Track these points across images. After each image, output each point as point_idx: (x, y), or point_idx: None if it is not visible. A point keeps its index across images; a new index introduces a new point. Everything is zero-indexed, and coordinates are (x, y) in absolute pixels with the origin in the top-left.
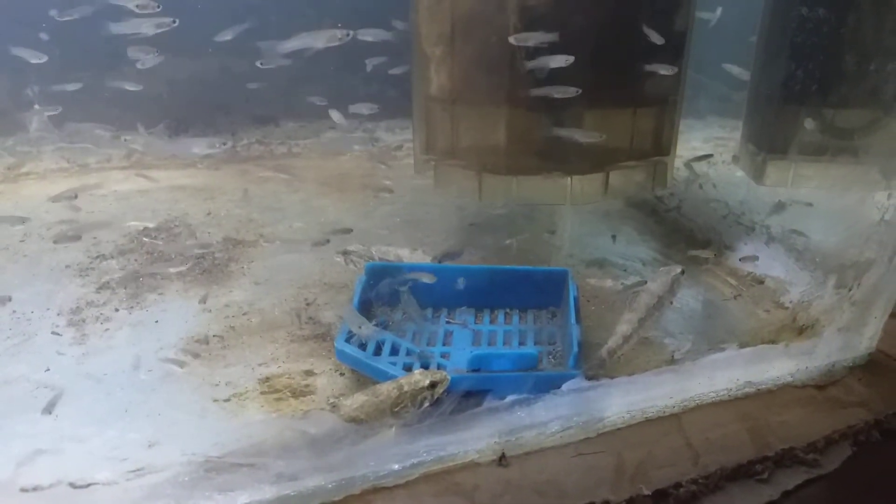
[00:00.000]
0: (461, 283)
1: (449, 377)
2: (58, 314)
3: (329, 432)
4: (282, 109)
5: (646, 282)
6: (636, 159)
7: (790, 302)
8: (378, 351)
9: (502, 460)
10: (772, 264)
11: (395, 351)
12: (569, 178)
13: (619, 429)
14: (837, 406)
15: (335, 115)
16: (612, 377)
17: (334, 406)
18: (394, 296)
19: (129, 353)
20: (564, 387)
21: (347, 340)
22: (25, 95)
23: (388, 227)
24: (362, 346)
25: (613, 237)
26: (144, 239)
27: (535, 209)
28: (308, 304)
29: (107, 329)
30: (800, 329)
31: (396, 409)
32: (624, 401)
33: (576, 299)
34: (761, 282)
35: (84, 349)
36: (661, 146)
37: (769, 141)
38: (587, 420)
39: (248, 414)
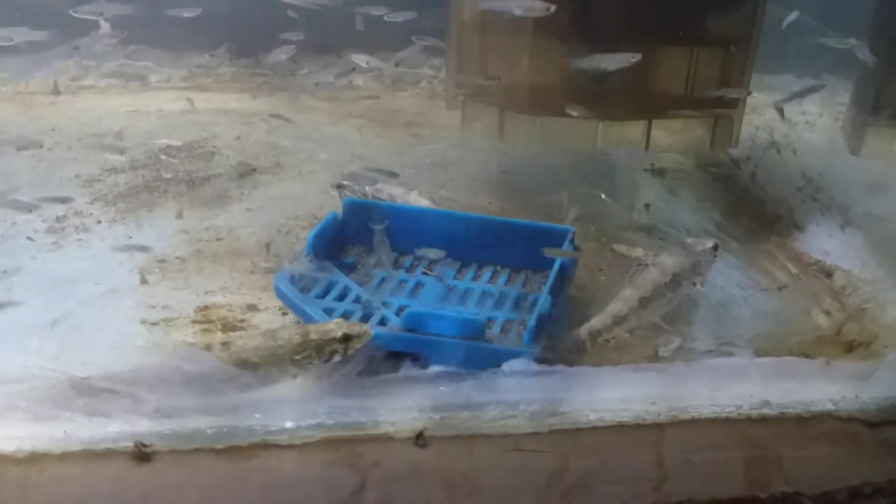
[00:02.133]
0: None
1: (371, 332)
2: (43, 220)
3: (210, 372)
4: (346, 39)
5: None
6: (691, 109)
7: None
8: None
9: (419, 439)
10: (846, 254)
11: (344, 297)
12: (600, 124)
13: (578, 429)
14: (889, 452)
15: (361, 59)
16: (570, 365)
17: (225, 344)
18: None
19: (90, 265)
20: (506, 366)
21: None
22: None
23: (414, 167)
24: (307, 290)
25: (647, 206)
26: (162, 157)
27: (586, 161)
28: (285, 235)
29: (80, 239)
30: (849, 344)
31: (298, 358)
32: (592, 396)
33: (564, 264)
34: (829, 274)
35: (53, 256)
36: (727, 97)
37: (873, 104)
38: (537, 411)
39: (170, 340)
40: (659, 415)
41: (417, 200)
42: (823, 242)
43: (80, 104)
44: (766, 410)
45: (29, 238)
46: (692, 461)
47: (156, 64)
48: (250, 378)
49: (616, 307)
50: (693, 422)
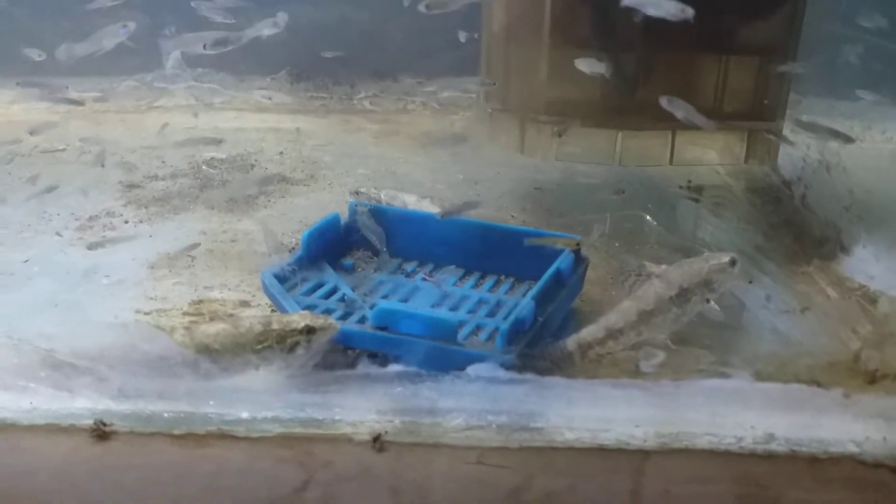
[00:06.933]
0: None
1: (336, 326)
2: (76, 219)
3: (168, 354)
4: (401, 64)
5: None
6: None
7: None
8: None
9: (376, 442)
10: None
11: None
12: (619, 134)
13: (553, 448)
14: None
15: None
16: (541, 374)
17: (188, 328)
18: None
19: (105, 260)
20: (470, 370)
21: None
22: (164, 35)
23: (446, 182)
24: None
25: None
26: (203, 167)
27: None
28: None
29: (103, 236)
30: (871, 374)
31: (259, 348)
32: (569, 413)
33: (561, 271)
34: (874, 300)
35: (76, 250)
36: (762, 109)
37: None
38: (505, 424)
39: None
40: (645, 440)
41: (429, 208)
42: (870, 266)
43: (147, 122)
44: (773, 446)
45: (57, 234)
46: (671, 493)
47: (221, 87)
48: (211, 366)
49: (610, 319)
50: (685, 452)
